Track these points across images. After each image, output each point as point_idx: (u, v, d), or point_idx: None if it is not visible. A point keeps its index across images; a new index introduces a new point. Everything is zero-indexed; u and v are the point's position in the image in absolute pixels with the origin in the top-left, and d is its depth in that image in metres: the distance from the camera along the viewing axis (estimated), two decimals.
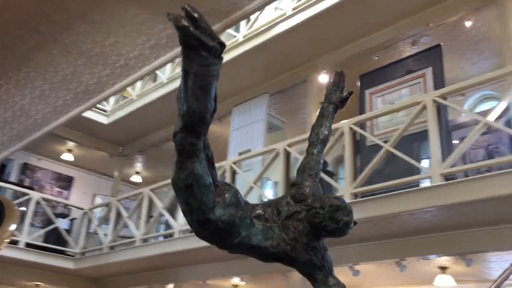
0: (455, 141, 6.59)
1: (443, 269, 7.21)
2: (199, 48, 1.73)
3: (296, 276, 7.93)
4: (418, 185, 6.25)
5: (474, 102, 8.39)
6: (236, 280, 9.71)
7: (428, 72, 6.84)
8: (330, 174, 7.28)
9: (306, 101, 8.32)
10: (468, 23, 7.02)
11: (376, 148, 6.45)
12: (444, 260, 6.95)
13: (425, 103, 5.67)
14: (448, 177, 5.51)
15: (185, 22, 1.69)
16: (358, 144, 6.85)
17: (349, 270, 7.33)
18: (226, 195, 2.04)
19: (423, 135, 6.46)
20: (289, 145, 7.17)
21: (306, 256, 2.19)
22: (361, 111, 7.36)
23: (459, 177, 5.56)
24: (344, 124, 6.49)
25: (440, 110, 5.77)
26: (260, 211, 2.20)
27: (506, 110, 5.39)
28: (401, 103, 6.33)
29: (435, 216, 5.71)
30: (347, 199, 6.12)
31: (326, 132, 2.60)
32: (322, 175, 6.65)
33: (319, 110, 2.69)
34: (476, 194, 5.00)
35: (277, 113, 9.41)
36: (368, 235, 6.43)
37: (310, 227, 2.20)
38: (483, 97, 8.37)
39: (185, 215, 2.06)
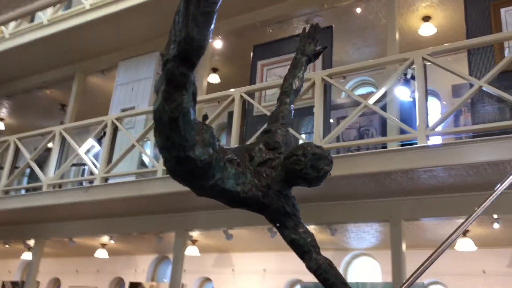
0: (330, 120, 7.02)
1: None
2: None
3: (170, 238, 7.95)
4: None
5: (353, 85, 8.98)
6: (105, 239, 9.45)
7: None
8: None
9: (198, 64, 8.20)
10: (358, 10, 7.43)
11: (262, 119, 6.63)
12: (310, 229, 7.45)
13: (315, 80, 5.94)
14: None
15: None
16: (245, 113, 6.97)
17: (223, 234, 7.53)
18: (205, 134, 1.97)
19: (305, 111, 6.78)
20: None
21: (278, 203, 2.19)
22: (252, 80, 7.49)
23: (332, 154, 5.95)
24: (235, 92, 6.56)
25: (326, 88, 6.09)
26: (232, 155, 2.14)
27: (383, 96, 5.85)
28: None
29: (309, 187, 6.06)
30: None
31: (299, 83, 2.64)
32: None
33: (292, 60, 2.75)
34: (352, 170, 5.40)
35: None
36: None
37: (284, 175, 2.19)
38: (361, 82, 9.00)
39: (162, 152, 1.94)
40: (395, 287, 5.67)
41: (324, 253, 7.64)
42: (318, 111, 5.83)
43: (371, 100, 5.58)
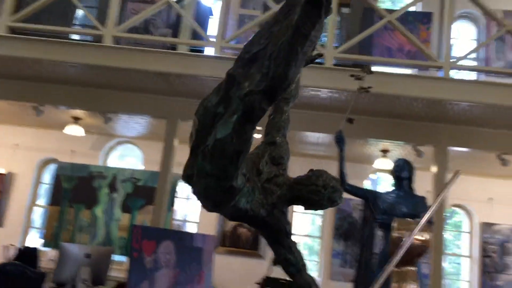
0: None
1: (76, 119, 7.43)
2: (324, 8, 1.45)
3: None
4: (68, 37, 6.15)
5: None
6: None
7: None
8: None
9: None
10: None
11: None
12: (78, 112, 7.15)
13: None
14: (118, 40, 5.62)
15: None
16: None
17: None
18: None
19: None
20: None
21: (281, 223, 2.08)
22: None
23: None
24: None
25: None
26: (244, 169, 1.88)
27: None
28: None
29: (78, 72, 5.77)
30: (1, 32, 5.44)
31: (296, 90, 2.44)
32: None
33: None
34: (142, 65, 5.31)
35: None
36: (11, 74, 5.95)
37: (290, 196, 2.07)
38: None
39: (208, 179, 1.74)
40: (162, 175, 6.06)
41: (89, 136, 7.40)
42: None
43: None
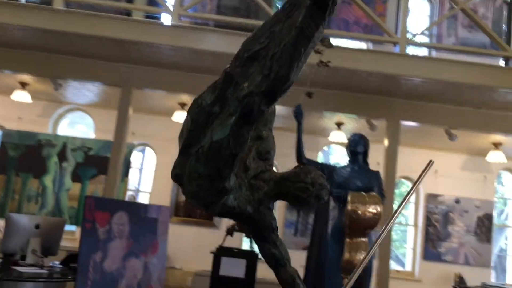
0: None
1: (23, 84, 7.09)
2: (329, 10, 1.43)
3: None
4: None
5: None
6: None
7: None
8: None
9: None
10: None
11: None
12: (26, 77, 6.82)
13: None
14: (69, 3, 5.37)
15: None
16: None
17: None
18: None
19: None
20: None
21: (268, 219, 2.02)
22: None
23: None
24: None
25: None
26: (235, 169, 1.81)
27: None
28: None
29: (26, 35, 5.50)
30: None
31: None
32: None
33: None
34: (95, 31, 5.11)
35: None
36: None
37: (277, 192, 1.99)
38: None
39: (201, 180, 1.68)
40: (116, 145, 5.94)
41: (37, 102, 7.14)
42: None
43: None
